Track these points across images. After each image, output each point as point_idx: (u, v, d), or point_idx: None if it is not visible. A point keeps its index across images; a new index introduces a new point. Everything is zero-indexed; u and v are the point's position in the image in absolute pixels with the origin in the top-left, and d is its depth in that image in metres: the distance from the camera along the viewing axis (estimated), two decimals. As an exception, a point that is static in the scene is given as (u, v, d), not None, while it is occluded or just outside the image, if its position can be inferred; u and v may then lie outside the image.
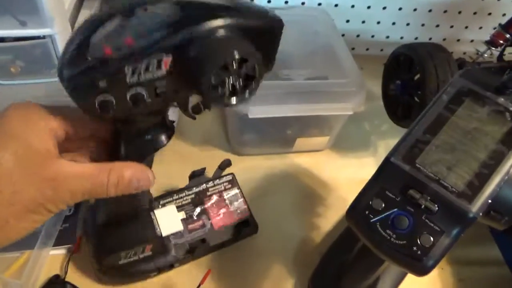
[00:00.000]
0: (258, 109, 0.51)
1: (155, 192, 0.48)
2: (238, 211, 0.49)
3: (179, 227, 0.45)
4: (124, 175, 0.29)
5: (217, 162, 0.50)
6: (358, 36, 0.79)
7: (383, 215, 0.32)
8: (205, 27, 0.26)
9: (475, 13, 0.78)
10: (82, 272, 0.45)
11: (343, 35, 0.74)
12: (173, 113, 0.47)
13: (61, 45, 0.51)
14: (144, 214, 0.43)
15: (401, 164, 0.33)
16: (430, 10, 0.77)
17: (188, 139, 0.60)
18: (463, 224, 0.31)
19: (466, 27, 0.81)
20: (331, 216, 0.54)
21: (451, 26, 0.80)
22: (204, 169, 0.50)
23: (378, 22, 0.77)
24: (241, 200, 0.49)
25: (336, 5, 0.73)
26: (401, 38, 0.80)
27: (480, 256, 0.53)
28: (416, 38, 0.80)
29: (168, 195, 0.48)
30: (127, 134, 0.32)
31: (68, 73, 0.26)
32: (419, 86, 0.52)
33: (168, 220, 0.45)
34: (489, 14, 0.79)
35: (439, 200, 0.31)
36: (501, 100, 0.34)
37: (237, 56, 0.26)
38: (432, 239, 0.30)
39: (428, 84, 0.50)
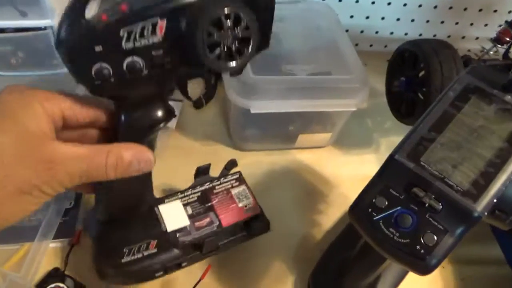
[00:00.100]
0: (260, 104, 0.51)
1: (157, 188, 0.47)
2: (247, 207, 0.47)
3: (185, 222, 0.43)
4: (123, 156, 0.28)
5: (220, 157, 0.49)
6: (362, 32, 0.78)
7: (386, 213, 0.31)
8: None
9: (480, 10, 0.78)
10: (82, 266, 0.44)
11: (346, 30, 0.73)
12: (175, 107, 0.47)
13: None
14: (148, 209, 0.42)
15: (405, 162, 0.32)
16: (435, 7, 0.76)
17: (190, 134, 0.60)
18: (467, 224, 0.30)
19: (471, 24, 0.80)
20: (332, 213, 0.54)
21: (456, 23, 0.79)
22: (209, 165, 0.49)
23: (383, 18, 0.77)
24: (250, 196, 0.47)
25: (340, 0, 0.72)
26: (406, 34, 0.80)
27: (481, 255, 0.53)
28: (420, 35, 0.80)
29: (173, 194, 0.46)
30: (126, 114, 0.31)
31: (64, 37, 0.26)
32: (423, 83, 0.52)
33: (173, 215, 0.43)
34: (495, 11, 0.78)
35: (444, 199, 0.31)
36: (508, 98, 0.33)
37: (227, 12, 0.26)
38: (435, 238, 0.30)
39: (433, 81, 0.49)
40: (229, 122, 0.61)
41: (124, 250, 0.40)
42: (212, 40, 0.27)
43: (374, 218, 0.32)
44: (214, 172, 0.49)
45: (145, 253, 0.40)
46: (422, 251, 0.30)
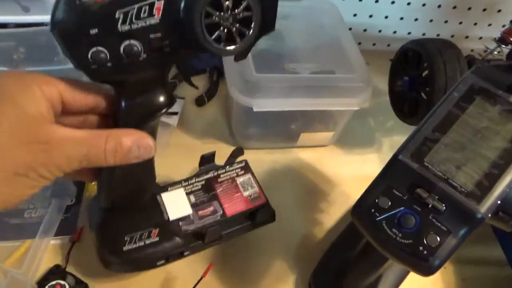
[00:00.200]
0: (263, 102, 0.51)
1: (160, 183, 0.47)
2: (252, 197, 0.46)
3: (188, 211, 0.43)
4: (122, 141, 0.28)
5: (221, 155, 0.49)
6: (365, 30, 0.78)
7: (389, 214, 0.31)
8: None
9: (484, 9, 0.77)
10: (83, 263, 0.44)
11: (350, 29, 0.73)
12: (176, 105, 0.46)
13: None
14: (150, 198, 0.41)
15: (409, 162, 0.32)
16: (439, 6, 0.75)
17: (192, 132, 0.60)
18: (471, 225, 0.30)
19: (475, 24, 0.80)
20: (333, 212, 0.54)
21: (460, 23, 0.79)
22: (214, 152, 0.48)
23: (386, 17, 0.76)
24: (255, 186, 0.47)
25: (343, -2, 0.72)
26: (409, 33, 0.79)
27: (482, 256, 0.53)
28: (423, 34, 0.79)
29: (176, 182, 0.46)
30: (126, 99, 0.31)
31: (59, 19, 0.25)
32: (427, 82, 0.51)
33: (176, 203, 0.43)
34: (499, 11, 0.78)
35: (447, 200, 0.31)
36: (513, 99, 0.33)
37: None
38: (438, 239, 0.30)
39: (436, 80, 0.49)
40: (231, 120, 0.61)
41: (126, 238, 0.39)
42: (211, 21, 0.26)
43: (377, 219, 0.31)
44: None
45: (147, 242, 0.40)
46: (425, 252, 0.30)
